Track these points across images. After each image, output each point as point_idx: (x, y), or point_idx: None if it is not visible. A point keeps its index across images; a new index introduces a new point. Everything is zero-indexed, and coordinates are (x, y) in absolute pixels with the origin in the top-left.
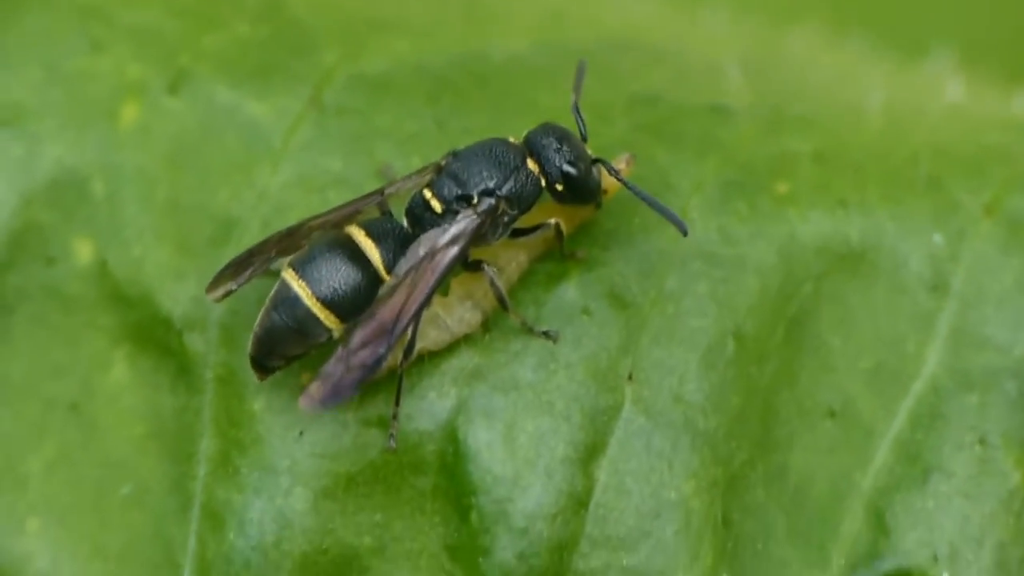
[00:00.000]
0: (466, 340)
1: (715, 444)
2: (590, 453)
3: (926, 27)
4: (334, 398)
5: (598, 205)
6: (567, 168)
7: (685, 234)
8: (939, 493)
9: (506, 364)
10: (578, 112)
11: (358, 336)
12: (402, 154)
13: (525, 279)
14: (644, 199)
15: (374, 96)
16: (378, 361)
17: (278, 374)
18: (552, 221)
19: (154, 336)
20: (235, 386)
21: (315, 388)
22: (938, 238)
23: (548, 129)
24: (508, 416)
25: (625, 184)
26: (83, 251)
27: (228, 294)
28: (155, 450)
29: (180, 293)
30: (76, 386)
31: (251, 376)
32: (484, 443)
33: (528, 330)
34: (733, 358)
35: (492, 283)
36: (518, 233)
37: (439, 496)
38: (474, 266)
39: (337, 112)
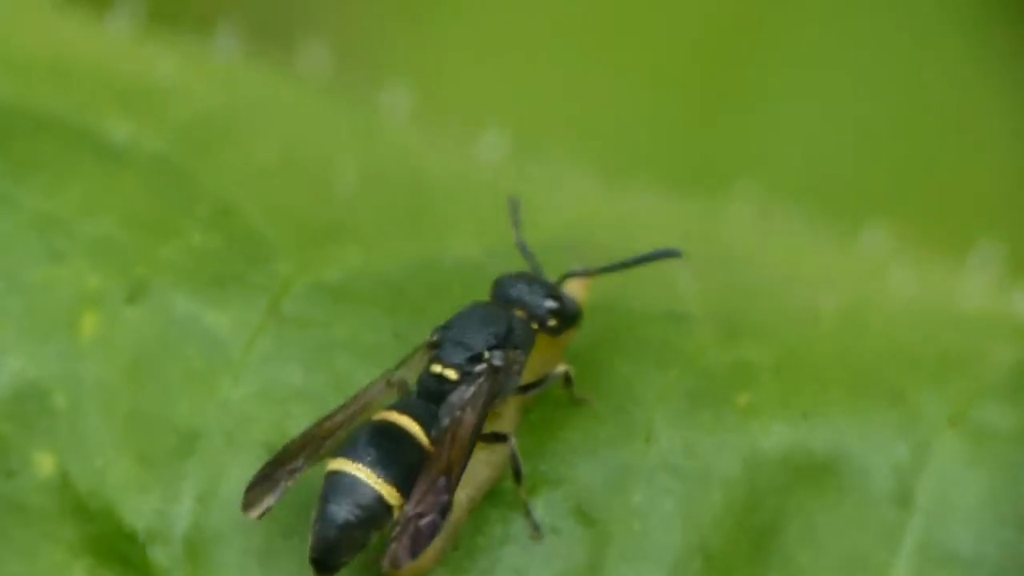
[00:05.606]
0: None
1: None
2: None
3: (861, 203)
4: (418, 549)
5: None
6: (550, 304)
7: (680, 257)
8: None
9: None
10: (525, 247)
11: (412, 502)
12: (362, 365)
13: (492, 498)
14: (626, 264)
15: (333, 307)
16: (444, 508)
17: None
18: (561, 370)
19: (116, 549)
20: None
21: (394, 551)
22: (902, 450)
23: (510, 279)
24: None
25: (601, 271)
26: (44, 464)
27: (268, 511)
28: None
29: (143, 506)
30: None
31: None
32: None
33: (526, 513)
34: (699, 573)
35: (513, 454)
36: (525, 389)
37: None
38: (491, 438)
39: (296, 323)
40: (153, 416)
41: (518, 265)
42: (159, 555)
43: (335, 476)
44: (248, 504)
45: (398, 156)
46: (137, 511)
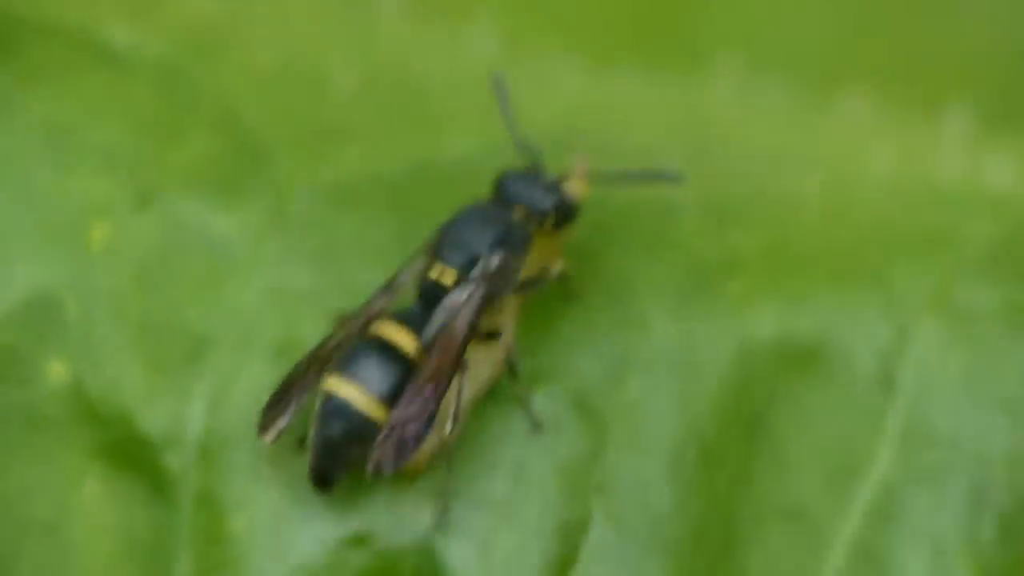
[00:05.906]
0: (440, 454)
1: (681, 552)
2: (562, 566)
3: (838, 68)
4: (401, 457)
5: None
6: (551, 201)
7: (679, 181)
8: None
9: (479, 478)
10: (523, 141)
11: (398, 410)
12: (368, 266)
13: (492, 394)
14: (625, 177)
15: (336, 208)
16: (430, 416)
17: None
18: (555, 270)
19: (129, 454)
20: (214, 505)
21: (378, 458)
22: (884, 332)
23: (511, 177)
24: (483, 531)
25: (600, 178)
26: (57, 371)
27: (282, 432)
28: (128, 569)
29: (156, 412)
30: (50, 506)
31: (231, 495)
32: (459, 559)
33: (525, 408)
34: (695, 463)
35: (509, 352)
36: (522, 287)
37: None
38: (488, 336)
39: (302, 225)
40: (164, 323)
41: (516, 160)
42: (172, 460)
43: (327, 397)
44: (263, 427)
45: (393, 55)
46: (150, 417)
